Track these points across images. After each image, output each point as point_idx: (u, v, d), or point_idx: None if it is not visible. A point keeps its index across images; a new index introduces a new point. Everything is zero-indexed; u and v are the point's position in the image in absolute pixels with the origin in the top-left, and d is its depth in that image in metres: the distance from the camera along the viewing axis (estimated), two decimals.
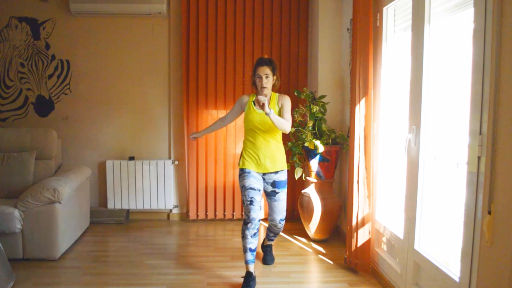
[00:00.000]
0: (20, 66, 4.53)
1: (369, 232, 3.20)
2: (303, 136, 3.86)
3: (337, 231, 4.20)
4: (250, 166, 3.21)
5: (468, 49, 2.10)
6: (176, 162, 4.70)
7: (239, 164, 3.30)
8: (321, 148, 3.74)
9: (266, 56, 3.30)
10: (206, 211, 4.66)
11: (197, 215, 4.64)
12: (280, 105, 3.25)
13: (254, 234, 3.06)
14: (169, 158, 4.72)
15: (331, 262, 3.53)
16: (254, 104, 3.22)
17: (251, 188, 3.12)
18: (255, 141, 3.22)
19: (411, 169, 2.70)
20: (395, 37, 3.12)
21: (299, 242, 4.04)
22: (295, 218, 4.61)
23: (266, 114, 2.98)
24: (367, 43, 3.09)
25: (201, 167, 4.58)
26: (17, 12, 4.49)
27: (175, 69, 4.62)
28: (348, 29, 3.96)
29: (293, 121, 4.02)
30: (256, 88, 3.28)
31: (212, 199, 4.64)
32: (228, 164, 4.62)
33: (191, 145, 4.54)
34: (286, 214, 4.66)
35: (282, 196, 3.28)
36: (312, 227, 3.95)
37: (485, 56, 1.96)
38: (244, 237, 3.07)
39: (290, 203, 4.69)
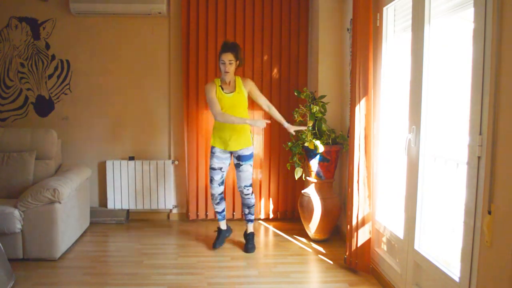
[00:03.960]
0: (20, 66, 4.53)
1: (369, 232, 3.20)
2: (303, 136, 3.86)
3: (337, 231, 4.20)
4: (218, 145, 3.69)
5: (468, 49, 2.10)
6: (176, 162, 4.70)
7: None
8: (321, 148, 3.74)
9: (230, 41, 3.63)
10: (206, 211, 4.66)
11: (197, 215, 4.64)
12: (248, 89, 3.67)
13: (218, 203, 3.82)
14: (169, 158, 4.72)
15: (331, 262, 3.53)
16: (222, 89, 3.60)
17: (212, 168, 3.73)
18: (223, 130, 3.64)
19: (411, 169, 2.70)
20: (395, 37, 3.12)
21: (299, 242, 4.04)
22: (295, 218, 4.61)
23: (286, 127, 3.72)
24: (367, 43, 3.09)
25: (201, 167, 4.58)
26: (17, 12, 4.49)
27: (175, 69, 4.62)
28: (348, 29, 3.96)
29: (293, 121, 4.04)
30: (220, 71, 3.61)
31: None
32: None
33: (191, 145, 4.54)
34: (287, 214, 4.73)
35: (245, 167, 3.71)
36: (312, 227, 3.95)
37: (485, 56, 1.96)
38: (212, 204, 3.87)
39: (290, 203, 4.70)
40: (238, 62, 3.60)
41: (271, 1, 4.49)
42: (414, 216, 2.65)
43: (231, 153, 3.74)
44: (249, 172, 3.74)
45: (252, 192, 3.82)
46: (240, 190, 3.80)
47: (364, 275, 3.25)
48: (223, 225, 3.94)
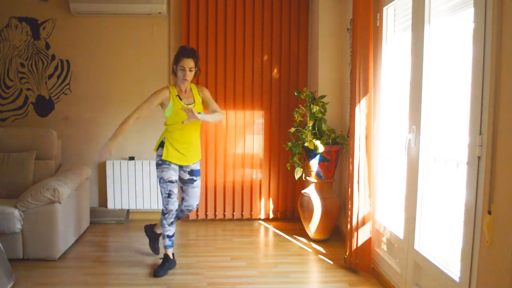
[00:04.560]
0: (20, 66, 4.53)
1: (370, 232, 3.20)
2: (303, 136, 3.86)
3: (337, 231, 4.20)
4: (173, 160, 3.29)
5: (468, 49, 2.10)
6: None
7: (158, 152, 3.33)
8: (321, 148, 3.74)
9: (189, 46, 3.35)
10: (206, 211, 4.66)
11: (197, 215, 4.64)
12: (202, 97, 3.39)
13: (171, 223, 3.32)
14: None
15: (331, 262, 3.53)
16: (180, 99, 3.29)
17: (170, 181, 3.28)
18: (182, 136, 3.30)
19: (411, 169, 2.70)
20: (395, 37, 3.12)
21: (299, 242, 4.04)
22: (295, 218, 4.61)
23: (200, 119, 3.16)
24: (367, 43, 3.09)
25: (201, 167, 4.57)
26: (17, 12, 4.49)
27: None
28: (348, 29, 3.96)
29: (293, 121, 4.03)
30: (175, 77, 3.30)
31: (212, 199, 4.64)
32: (228, 164, 4.62)
33: None
34: (287, 214, 4.73)
35: (198, 183, 3.47)
36: (312, 227, 3.95)
37: (485, 56, 1.96)
38: (162, 225, 3.32)
39: (290, 203, 4.70)
40: (196, 69, 3.27)
41: (271, 1, 4.49)
42: (414, 216, 2.65)
43: (179, 167, 3.37)
44: (199, 189, 3.51)
45: None
46: (188, 209, 3.49)
47: (364, 275, 3.25)
48: (170, 252, 3.36)
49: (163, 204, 3.30)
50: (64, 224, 3.58)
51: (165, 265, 3.28)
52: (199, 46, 4.46)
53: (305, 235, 4.15)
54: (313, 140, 3.75)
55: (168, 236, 3.32)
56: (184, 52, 3.21)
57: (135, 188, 4.60)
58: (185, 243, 4.05)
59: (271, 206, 4.70)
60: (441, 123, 2.53)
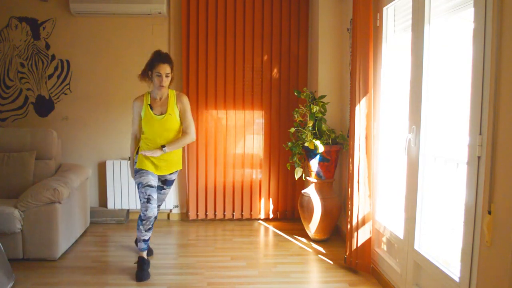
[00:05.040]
0: (20, 66, 4.53)
1: (370, 232, 3.20)
2: (303, 136, 3.86)
3: (337, 231, 4.20)
4: (148, 168, 3.22)
5: (468, 49, 2.10)
6: None
7: (135, 160, 3.30)
8: (321, 148, 3.74)
9: (164, 52, 3.18)
10: (206, 211, 4.66)
11: (197, 215, 4.64)
12: (180, 107, 3.23)
13: (149, 229, 3.24)
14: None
15: (331, 262, 3.53)
16: (151, 108, 3.19)
17: (149, 186, 3.18)
18: (154, 145, 3.20)
19: (411, 169, 2.70)
20: (395, 37, 3.12)
21: (299, 242, 4.04)
22: (295, 218, 4.61)
23: (164, 151, 3.14)
24: (367, 43, 3.09)
25: (201, 167, 4.58)
26: (17, 12, 4.49)
27: (175, 69, 4.59)
28: (348, 29, 3.96)
29: (293, 121, 4.03)
30: (150, 83, 3.19)
31: (212, 199, 4.64)
32: (228, 164, 4.62)
33: (191, 145, 4.54)
34: (287, 214, 4.73)
35: (167, 191, 3.50)
36: (312, 227, 3.95)
37: (485, 56, 1.96)
38: (138, 230, 3.24)
39: (290, 203, 4.70)
40: (172, 75, 3.18)
41: (271, 1, 4.49)
42: (414, 216, 2.65)
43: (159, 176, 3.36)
44: (167, 195, 3.56)
45: None
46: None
47: (364, 275, 3.25)
48: (145, 254, 3.31)
49: (141, 209, 3.20)
50: (64, 224, 3.58)
51: (144, 268, 3.21)
52: (199, 46, 4.46)
53: (305, 235, 4.15)
54: (313, 140, 3.75)
55: (144, 240, 3.27)
56: (159, 58, 3.08)
57: (135, 188, 4.59)
58: (185, 243, 4.05)
59: (271, 206, 4.70)
60: (441, 123, 2.53)
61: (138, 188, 3.24)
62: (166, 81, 3.11)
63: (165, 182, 3.44)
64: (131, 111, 3.35)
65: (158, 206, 3.50)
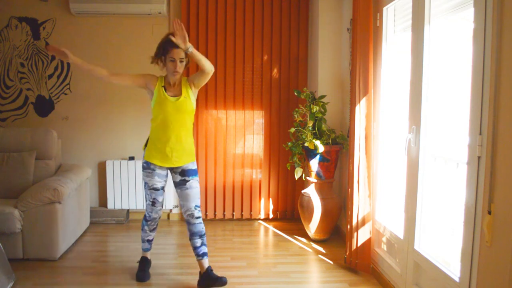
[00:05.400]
0: (20, 66, 4.53)
1: (370, 232, 3.20)
2: (303, 136, 3.86)
3: (337, 231, 4.20)
4: (155, 160, 2.98)
5: (468, 49, 2.10)
6: None
7: (144, 152, 3.04)
8: (321, 148, 3.74)
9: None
10: (206, 211, 4.66)
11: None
12: (193, 86, 3.00)
13: (153, 229, 3.23)
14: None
15: (331, 262, 3.53)
16: (165, 90, 2.94)
17: (154, 189, 3.05)
18: (164, 132, 2.95)
19: (411, 169, 2.70)
20: (395, 37, 3.12)
21: (299, 242, 4.04)
22: (295, 218, 4.61)
23: (186, 50, 2.77)
24: (367, 43, 3.09)
25: (201, 167, 4.58)
26: (17, 12, 4.49)
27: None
28: (348, 29, 3.96)
29: (293, 121, 4.03)
30: (162, 68, 2.98)
31: (212, 199, 4.64)
32: (228, 164, 4.62)
33: None
34: (287, 214, 4.72)
35: (193, 183, 3.03)
36: (312, 227, 3.95)
37: (485, 56, 1.96)
38: (143, 230, 3.22)
39: (290, 203, 4.70)
40: (187, 60, 2.96)
41: (271, 1, 4.49)
42: (414, 216, 2.65)
43: (169, 169, 3.08)
44: (198, 189, 3.07)
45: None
46: (189, 214, 3.03)
47: (364, 275, 3.25)
48: (148, 254, 3.32)
49: (146, 210, 3.15)
50: (64, 224, 3.58)
51: (145, 269, 3.22)
52: (199, 46, 4.46)
53: (305, 235, 4.15)
54: (313, 140, 3.75)
55: (148, 241, 3.25)
56: (172, 42, 2.80)
57: (135, 188, 4.60)
58: (185, 243, 4.04)
59: (271, 206, 4.70)
60: (441, 123, 2.53)
61: (144, 187, 3.12)
62: (181, 67, 2.91)
63: (184, 173, 3.02)
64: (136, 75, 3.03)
65: (197, 207, 3.06)
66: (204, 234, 3.09)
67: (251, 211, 4.68)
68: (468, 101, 2.09)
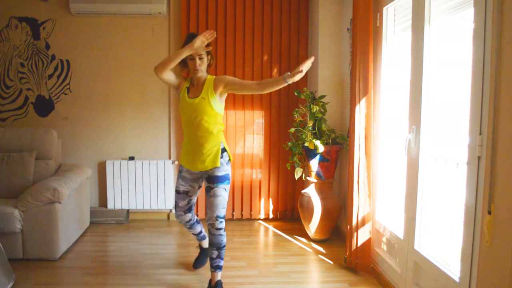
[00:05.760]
0: (20, 66, 4.53)
1: (370, 232, 3.20)
2: (303, 136, 3.86)
3: (337, 231, 4.20)
4: (183, 162, 2.97)
5: (468, 49, 2.10)
6: (176, 162, 4.70)
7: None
8: (321, 148, 3.74)
9: (196, 33, 2.85)
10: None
11: (197, 215, 4.64)
12: (221, 90, 2.83)
13: (190, 227, 3.22)
14: (169, 158, 4.72)
15: (331, 262, 3.53)
16: (188, 91, 2.88)
17: (176, 191, 3.04)
18: (187, 135, 2.93)
19: (411, 169, 2.70)
20: (395, 37, 3.12)
21: (299, 242, 4.04)
22: (295, 218, 4.61)
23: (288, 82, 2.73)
24: (367, 43, 3.09)
25: None
26: (17, 12, 4.49)
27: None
28: (348, 29, 3.96)
29: (293, 121, 4.03)
30: (184, 68, 2.92)
31: None
32: None
33: None
34: (287, 214, 4.72)
35: (217, 191, 2.86)
36: (312, 227, 3.95)
37: (485, 56, 1.96)
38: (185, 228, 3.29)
39: (290, 203, 4.70)
40: (209, 58, 2.87)
41: (271, 1, 4.49)
42: (414, 216, 2.65)
43: (202, 174, 2.98)
44: (222, 198, 2.87)
45: (224, 229, 2.92)
46: (210, 224, 2.88)
47: (364, 275, 3.25)
48: (205, 244, 3.36)
49: None
50: (64, 224, 3.58)
51: (199, 256, 3.38)
52: None
53: (305, 235, 4.15)
54: (313, 140, 3.75)
55: (194, 234, 3.32)
56: (190, 40, 2.74)
57: (135, 188, 4.60)
58: (185, 243, 4.04)
59: (271, 206, 4.70)
60: (441, 123, 2.53)
61: None
62: (201, 64, 2.81)
63: (210, 179, 2.89)
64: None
65: (218, 218, 2.88)
66: (223, 246, 2.91)
67: (251, 211, 4.68)
68: (468, 101, 2.09)
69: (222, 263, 2.93)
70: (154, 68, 2.85)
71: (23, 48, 4.52)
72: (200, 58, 2.80)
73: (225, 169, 2.92)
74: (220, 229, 2.87)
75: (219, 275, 2.95)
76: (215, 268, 2.92)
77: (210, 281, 2.99)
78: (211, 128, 2.85)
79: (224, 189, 2.90)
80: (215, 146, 2.89)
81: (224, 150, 2.95)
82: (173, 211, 4.70)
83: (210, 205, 2.89)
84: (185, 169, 2.99)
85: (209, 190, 2.89)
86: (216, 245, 2.89)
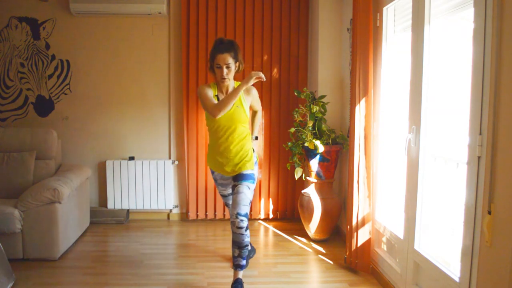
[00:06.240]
0: (20, 66, 4.53)
1: (370, 232, 3.20)
2: (303, 136, 3.86)
3: (337, 231, 4.20)
4: (214, 167, 3.04)
5: (468, 49, 2.11)
6: (176, 162, 4.70)
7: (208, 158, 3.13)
8: (321, 148, 3.74)
9: (226, 39, 2.82)
10: (206, 211, 4.66)
11: (197, 215, 4.64)
12: (251, 100, 2.97)
13: (246, 228, 2.92)
14: (169, 158, 4.72)
15: (331, 262, 3.53)
16: (218, 99, 2.83)
17: (223, 196, 3.23)
18: (219, 140, 2.88)
19: (411, 169, 2.70)
20: (395, 37, 3.12)
21: (299, 242, 4.04)
22: (295, 218, 4.61)
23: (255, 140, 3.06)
24: (367, 43, 3.09)
25: (201, 167, 4.58)
26: (17, 12, 4.49)
27: (175, 69, 4.62)
28: (348, 29, 3.96)
29: (293, 121, 4.03)
30: (214, 75, 2.85)
31: (212, 199, 4.63)
32: None
33: (191, 145, 4.54)
34: (287, 214, 4.72)
35: (240, 188, 2.83)
36: (312, 227, 3.95)
37: (485, 56, 1.96)
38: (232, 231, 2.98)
39: (290, 203, 4.70)
40: (238, 65, 2.83)
41: (271, 1, 4.49)
42: (414, 216, 2.65)
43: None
44: (245, 195, 2.82)
45: (247, 228, 2.85)
46: (232, 221, 2.83)
47: (364, 275, 3.25)
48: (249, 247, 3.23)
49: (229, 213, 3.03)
50: (64, 224, 3.58)
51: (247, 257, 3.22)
52: (199, 46, 4.46)
53: (305, 235, 4.15)
54: (313, 140, 3.75)
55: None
56: (218, 46, 2.71)
57: (135, 188, 4.60)
58: (185, 243, 4.05)
59: (271, 206, 4.70)
60: (441, 123, 2.53)
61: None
62: (228, 73, 2.74)
63: (236, 177, 2.92)
64: (200, 96, 2.87)
65: (239, 215, 2.79)
66: (245, 246, 2.86)
67: (251, 211, 4.68)
68: (468, 101, 2.09)
69: (243, 262, 2.90)
70: (212, 113, 2.77)
71: (23, 48, 4.52)
72: (228, 67, 2.75)
73: (251, 168, 2.96)
74: (241, 228, 2.80)
75: (240, 274, 2.93)
76: (236, 266, 2.91)
77: (233, 281, 2.97)
78: (244, 134, 2.92)
79: (248, 187, 2.87)
80: (248, 150, 2.95)
81: (252, 150, 3.03)
82: (173, 210, 4.72)
83: (233, 202, 2.86)
84: (219, 177, 3.07)
85: (233, 188, 2.94)
86: (237, 244, 2.85)
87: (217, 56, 2.73)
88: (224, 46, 2.73)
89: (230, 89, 2.85)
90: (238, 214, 2.79)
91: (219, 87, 2.89)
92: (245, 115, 2.92)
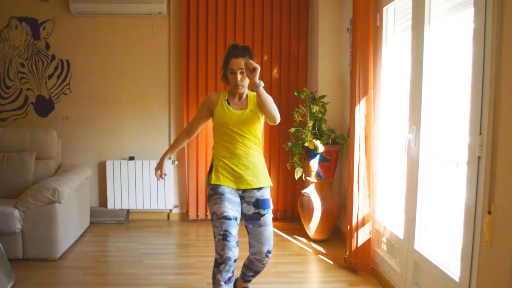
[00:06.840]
0: (20, 66, 4.53)
1: (370, 232, 3.20)
2: (303, 136, 3.86)
3: (337, 231, 4.20)
4: (225, 182, 2.48)
5: (468, 49, 2.11)
6: (176, 162, 4.70)
7: (207, 180, 2.56)
8: (321, 148, 3.74)
9: (241, 44, 2.57)
10: (206, 211, 4.66)
11: (197, 215, 4.64)
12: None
13: (229, 279, 2.36)
14: (169, 158, 4.71)
15: (331, 262, 3.53)
16: (229, 104, 2.53)
17: (225, 218, 2.37)
18: (233, 148, 2.49)
19: (411, 169, 2.70)
20: (395, 37, 3.12)
21: (299, 242, 4.04)
22: (295, 218, 4.61)
23: (256, 86, 2.34)
24: (367, 43, 3.09)
25: (201, 167, 4.58)
26: (17, 12, 4.49)
27: (175, 69, 4.62)
28: (348, 29, 3.96)
29: (293, 121, 4.03)
30: (227, 84, 2.56)
31: None
32: None
33: (191, 145, 4.54)
34: (287, 214, 4.72)
35: (268, 219, 2.50)
36: (312, 227, 3.95)
37: (485, 56, 1.96)
38: (215, 283, 2.35)
39: (290, 203, 4.70)
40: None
41: (271, 1, 4.49)
42: (414, 216, 2.65)
43: (241, 199, 2.55)
44: (271, 227, 2.53)
45: None
46: (257, 259, 2.51)
47: (364, 275, 3.25)
48: None
49: (216, 250, 2.36)
50: (64, 224, 3.58)
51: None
52: (199, 46, 4.46)
53: (305, 235, 4.15)
54: (313, 140, 3.75)
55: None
56: (233, 51, 2.48)
57: (135, 188, 4.60)
58: (185, 243, 4.05)
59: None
60: (441, 123, 2.53)
61: (212, 219, 2.44)
62: (243, 79, 2.47)
63: (258, 204, 2.49)
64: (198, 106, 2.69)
65: (269, 252, 2.50)
66: (261, 271, 2.65)
67: None
68: (468, 101, 2.10)
69: (253, 279, 2.74)
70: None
71: (23, 48, 4.52)
72: (242, 73, 2.46)
73: (269, 192, 2.61)
74: (266, 263, 2.56)
75: (247, 285, 2.79)
76: (245, 281, 2.73)
77: (235, 284, 2.78)
78: (258, 143, 2.59)
79: (271, 215, 2.55)
80: (263, 162, 2.60)
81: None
82: (173, 210, 4.72)
83: (259, 236, 2.48)
84: (227, 190, 2.49)
85: (257, 218, 2.49)
86: (256, 272, 2.63)
87: (231, 60, 2.47)
88: (239, 51, 2.51)
89: (244, 97, 2.57)
90: (268, 251, 2.49)
91: (231, 94, 2.58)
92: (259, 123, 2.63)
